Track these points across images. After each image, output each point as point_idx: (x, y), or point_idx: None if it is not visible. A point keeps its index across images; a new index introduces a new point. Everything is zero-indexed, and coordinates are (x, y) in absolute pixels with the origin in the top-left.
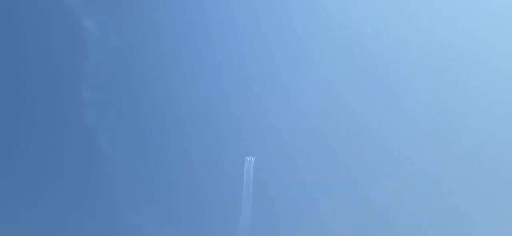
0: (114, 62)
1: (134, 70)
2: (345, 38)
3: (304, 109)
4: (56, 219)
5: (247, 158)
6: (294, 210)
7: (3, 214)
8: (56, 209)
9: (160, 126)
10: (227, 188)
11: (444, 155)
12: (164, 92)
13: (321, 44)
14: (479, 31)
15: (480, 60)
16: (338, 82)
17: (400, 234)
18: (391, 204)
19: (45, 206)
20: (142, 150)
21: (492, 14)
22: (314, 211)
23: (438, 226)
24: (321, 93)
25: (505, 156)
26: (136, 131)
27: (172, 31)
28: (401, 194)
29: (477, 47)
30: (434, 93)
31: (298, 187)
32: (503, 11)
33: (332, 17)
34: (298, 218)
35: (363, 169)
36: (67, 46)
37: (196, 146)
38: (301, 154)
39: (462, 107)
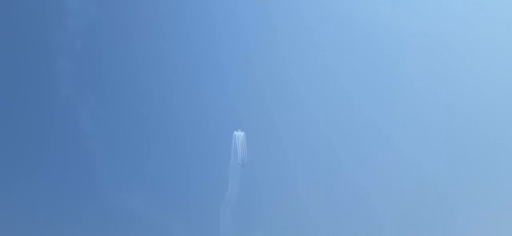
0: (95, 34)
1: (119, 41)
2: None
3: (296, 86)
4: (39, 197)
5: (235, 132)
6: (280, 185)
7: None
8: (39, 187)
9: (145, 99)
10: (214, 162)
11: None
12: (151, 63)
13: (315, 26)
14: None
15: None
16: (332, 58)
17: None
18: (374, 187)
19: (28, 183)
20: (126, 124)
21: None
22: (301, 185)
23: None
24: (313, 68)
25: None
26: (120, 105)
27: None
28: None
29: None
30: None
31: (285, 163)
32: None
33: None
34: (284, 193)
35: (352, 145)
36: (46, 19)
37: (183, 119)
38: (290, 131)
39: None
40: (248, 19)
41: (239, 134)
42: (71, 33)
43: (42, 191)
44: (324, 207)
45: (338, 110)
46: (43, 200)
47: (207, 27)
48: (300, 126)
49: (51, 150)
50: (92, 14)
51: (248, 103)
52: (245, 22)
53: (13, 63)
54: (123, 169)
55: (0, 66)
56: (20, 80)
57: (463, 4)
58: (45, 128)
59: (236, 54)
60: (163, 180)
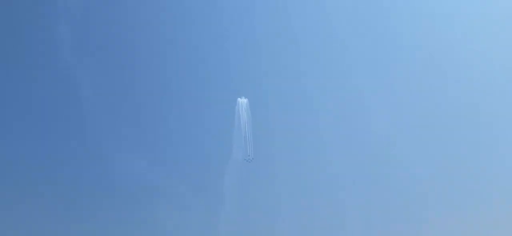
0: None
1: (119, 5)
2: None
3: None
4: (41, 165)
5: (239, 99)
6: (285, 152)
7: None
8: (42, 155)
9: (148, 64)
10: (218, 128)
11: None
12: (153, 27)
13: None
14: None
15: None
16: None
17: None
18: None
19: (29, 151)
20: (129, 90)
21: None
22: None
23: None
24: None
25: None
26: (122, 70)
27: None
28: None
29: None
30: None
31: (290, 130)
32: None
33: None
34: (288, 160)
35: (352, 104)
36: None
37: (185, 85)
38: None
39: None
40: None
41: (243, 101)
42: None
43: (44, 159)
44: (330, 169)
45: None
46: (45, 168)
47: None
48: (305, 92)
49: (52, 117)
50: None
51: (253, 69)
52: None
53: (12, 31)
54: (127, 135)
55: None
56: (19, 48)
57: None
58: (46, 96)
59: (240, 17)
60: (167, 146)
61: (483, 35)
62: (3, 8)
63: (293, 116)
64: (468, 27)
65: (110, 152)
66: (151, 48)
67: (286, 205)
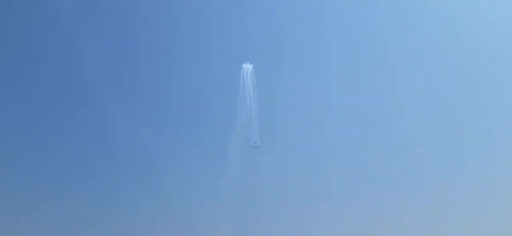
0: None
1: None
2: None
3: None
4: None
5: (243, 64)
6: (289, 116)
7: None
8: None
9: (152, 31)
10: (222, 94)
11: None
12: None
13: None
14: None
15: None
16: None
17: None
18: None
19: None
20: (133, 55)
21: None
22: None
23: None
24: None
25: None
26: (125, 38)
27: None
28: None
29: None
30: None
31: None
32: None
33: None
34: (293, 124)
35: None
36: None
37: (190, 52)
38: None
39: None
40: None
41: (248, 67)
42: None
43: (47, 128)
44: (333, 132)
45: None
46: (49, 136)
47: None
48: (309, 58)
49: (54, 85)
50: None
51: (258, 36)
52: None
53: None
54: (130, 101)
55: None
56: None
57: None
58: (47, 63)
59: None
60: (171, 112)
61: None
62: None
63: (297, 82)
64: None
65: (114, 119)
66: (154, 12)
67: (290, 168)
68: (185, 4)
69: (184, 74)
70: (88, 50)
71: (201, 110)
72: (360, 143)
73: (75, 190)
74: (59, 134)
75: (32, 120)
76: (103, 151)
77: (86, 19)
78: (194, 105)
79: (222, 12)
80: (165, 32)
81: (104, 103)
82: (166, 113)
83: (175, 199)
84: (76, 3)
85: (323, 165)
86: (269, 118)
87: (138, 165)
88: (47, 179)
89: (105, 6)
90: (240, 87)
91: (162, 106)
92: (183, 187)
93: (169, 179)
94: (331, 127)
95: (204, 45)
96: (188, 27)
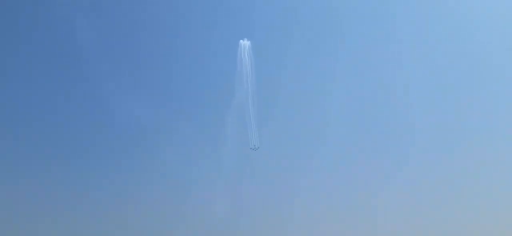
0: None
1: None
2: None
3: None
4: (44, 105)
5: (241, 41)
6: (286, 91)
7: None
8: (44, 95)
9: (149, 3)
10: (220, 69)
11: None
12: None
13: None
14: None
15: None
16: None
17: None
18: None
19: (32, 92)
20: (131, 29)
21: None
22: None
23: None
24: None
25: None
26: (125, 12)
27: None
28: None
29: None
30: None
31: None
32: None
33: None
34: (289, 97)
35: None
36: None
37: (188, 24)
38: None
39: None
40: None
41: (245, 43)
42: None
43: (45, 102)
44: (331, 102)
45: None
46: (47, 111)
47: None
48: (306, 36)
49: (52, 60)
50: None
51: (255, 12)
52: None
53: None
54: (128, 75)
55: None
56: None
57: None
58: (44, 38)
59: None
60: (169, 86)
61: None
62: None
63: (294, 57)
64: None
65: (112, 93)
66: None
67: (289, 139)
68: None
69: (182, 49)
70: (85, 23)
71: (199, 85)
72: (361, 124)
73: (74, 164)
74: (55, 107)
75: (29, 96)
76: (101, 126)
77: None
78: (192, 80)
79: None
80: (164, 7)
81: (103, 77)
82: (164, 87)
83: (172, 174)
84: None
85: (323, 135)
86: (269, 96)
87: (135, 140)
88: (43, 152)
89: None
90: (237, 64)
91: (159, 82)
92: (180, 161)
93: (166, 154)
94: (329, 100)
95: (203, 20)
96: (188, 4)
